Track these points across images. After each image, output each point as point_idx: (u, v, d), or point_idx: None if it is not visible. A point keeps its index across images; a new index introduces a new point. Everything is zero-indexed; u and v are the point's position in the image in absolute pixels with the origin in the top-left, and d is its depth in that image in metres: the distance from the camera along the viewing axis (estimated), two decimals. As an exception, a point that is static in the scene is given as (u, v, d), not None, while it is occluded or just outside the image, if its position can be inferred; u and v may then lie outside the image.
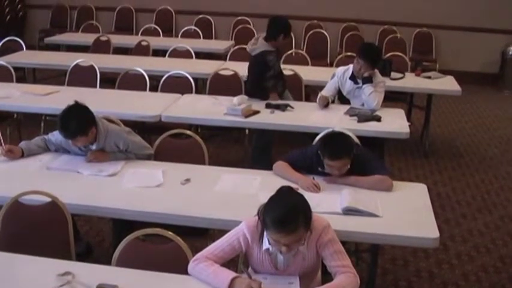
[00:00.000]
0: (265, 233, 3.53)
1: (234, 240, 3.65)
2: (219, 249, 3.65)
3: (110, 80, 8.50)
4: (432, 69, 10.07)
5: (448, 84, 8.88)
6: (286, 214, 3.39)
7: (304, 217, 3.44)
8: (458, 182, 8.04)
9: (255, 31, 12.55)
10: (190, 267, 3.60)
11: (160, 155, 5.53)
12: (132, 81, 8.09)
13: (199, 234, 4.86)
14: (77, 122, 5.00)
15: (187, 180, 4.95)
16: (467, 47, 13.00)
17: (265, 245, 3.58)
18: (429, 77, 9.01)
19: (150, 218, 4.38)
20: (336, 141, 4.84)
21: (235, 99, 6.82)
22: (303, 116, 6.89)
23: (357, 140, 5.50)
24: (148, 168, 5.16)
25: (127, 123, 6.00)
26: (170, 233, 3.85)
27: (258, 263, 3.70)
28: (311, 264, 3.70)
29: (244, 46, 10.02)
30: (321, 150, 4.80)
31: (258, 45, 7.51)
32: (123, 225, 4.65)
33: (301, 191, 4.15)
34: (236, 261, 4.05)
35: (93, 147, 5.22)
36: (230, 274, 3.47)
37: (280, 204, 3.47)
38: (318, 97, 7.19)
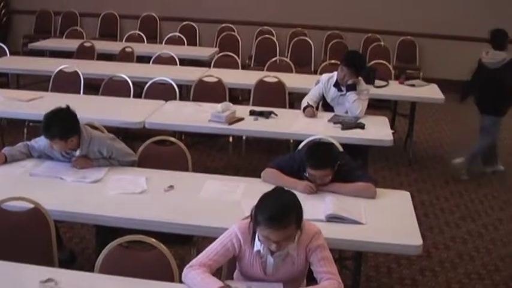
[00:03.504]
0: (256, 235, 3.56)
1: (228, 242, 3.66)
2: (214, 253, 3.65)
3: (93, 86, 8.48)
4: (416, 77, 10.13)
5: (432, 92, 8.92)
6: (278, 210, 3.44)
7: (296, 215, 3.49)
8: (442, 190, 8.06)
9: (239, 38, 12.58)
10: (183, 273, 3.61)
11: (144, 162, 5.52)
12: (116, 88, 8.07)
13: (183, 242, 4.85)
14: (61, 125, 5.00)
15: (171, 187, 4.94)
16: (451, 55, 13.02)
17: (257, 246, 3.61)
18: (413, 85, 9.05)
19: (134, 225, 4.37)
20: (320, 151, 4.85)
21: (220, 106, 6.81)
22: (286, 123, 6.90)
23: (340, 148, 5.52)
24: (131, 175, 5.15)
25: (111, 129, 6.00)
26: (153, 239, 3.84)
27: (249, 266, 3.71)
28: (299, 269, 3.71)
29: (229, 53, 10.10)
30: (305, 158, 4.82)
31: (500, 53, 8.16)
32: (106, 232, 4.63)
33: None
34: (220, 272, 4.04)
35: (77, 153, 5.21)
36: (217, 283, 3.48)
37: (273, 200, 3.52)
38: (304, 106, 7.19)
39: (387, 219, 4.57)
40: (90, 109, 6.90)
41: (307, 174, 4.85)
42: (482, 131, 8.44)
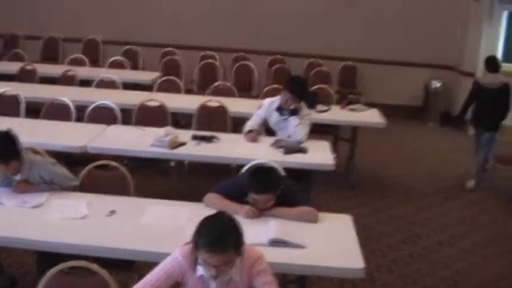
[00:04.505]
0: (199, 260, 3.53)
1: (170, 268, 3.65)
2: (155, 278, 3.64)
3: (35, 110, 8.38)
4: (357, 102, 10.20)
5: (373, 116, 9.02)
6: (217, 235, 3.44)
7: (235, 240, 3.49)
8: (383, 213, 8.13)
9: (181, 63, 12.54)
10: None
11: (85, 187, 5.47)
12: (57, 112, 7.98)
13: (125, 267, 4.80)
14: (1, 149, 4.95)
15: (113, 211, 4.91)
16: (392, 80, 13.25)
17: (199, 271, 3.59)
18: (354, 110, 9.15)
19: (75, 250, 4.32)
20: (262, 176, 4.87)
21: (162, 131, 6.81)
22: (229, 147, 6.91)
23: (283, 172, 5.54)
24: (73, 200, 5.10)
25: (52, 154, 5.93)
26: (95, 265, 3.80)
27: (192, 291, 3.69)
28: (243, 294, 3.70)
29: (172, 77, 10.06)
30: (248, 183, 4.83)
31: (497, 76, 9.18)
32: (47, 258, 4.58)
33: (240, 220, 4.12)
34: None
35: (17, 178, 5.15)
36: None
37: (212, 225, 3.52)
38: (246, 130, 7.22)
39: (330, 243, 4.60)
40: (31, 133, 6.83)
41: (249, 199, 4.86)
42: (483, 146, 9.30)
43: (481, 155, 9.31)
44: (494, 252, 7.21)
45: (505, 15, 12.46)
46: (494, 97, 9.09)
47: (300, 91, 7.25)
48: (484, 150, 9.30)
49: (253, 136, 7.13)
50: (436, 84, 13.03)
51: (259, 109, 7.53)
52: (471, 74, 12.33)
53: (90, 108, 8.04)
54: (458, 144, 11.76)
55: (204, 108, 8.41)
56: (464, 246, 7.33)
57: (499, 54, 12.21)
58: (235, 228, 3.54)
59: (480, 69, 11.82)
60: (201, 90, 11.07)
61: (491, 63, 9.34)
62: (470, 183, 9.33)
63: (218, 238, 3.42)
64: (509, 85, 9.13)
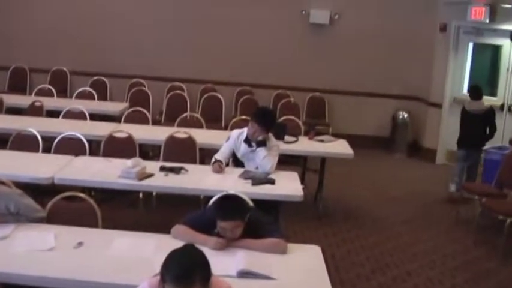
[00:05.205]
0: None
1: None
2: None
3: (1, 141, 8.33)
4: (325, 132, 10.27)
5: (341, 147, 9.07)
6: (183, 268, 3.41)
7: (202, 273, 3.45)
8: (352, 244, 8.14)
9: (149, 93, 12.52)
10: None
11: (52, 218, 5.42)
12: (24, 142, 7.94)
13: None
14: None
15: (80, 243, 4.87)
16: (360, 111, 13.33)
17: None
18: (322, 141, 9.20)
19: (41, 283, 4.29)
20: (228, 203, 4.89)
21: (130, 162, 6.78)
22: (197, 179, 6.90)
23: (251, 204, 5.54)
24: (40, 232, 5.05)
25: (19, 185, 5.88)
26: (62, 297, 3.77)
27: (159, 323, 3.66)
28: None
29: (140, 109, 10.03)
30: (215, 211, 4.83)
31: (481, 103, 10.19)
32: (13, 290, 4.53)
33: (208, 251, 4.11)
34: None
35: (-17, 209, 5.11)
36: None
37: (179, 258, 3.49)
38: (213, 161, 7.22)
39: (298, 274, 4.59)
40: (-2, 164, 6.80)
41: (217, 230, 4.84)
42: (473, 165, 10.43)
43: (467, 176, 10.39)
44: (462, 282, 7.24)
45: (470, 46, 12.59)
46: (481, 121, 10.16)
47: (268, 122, 7.27)
48: (470, 171, 10.39)
49: (217, 167, 7.12)
50: (404, 114, 13.14)
51: (227, 140, 7.53)
52: (438, 105, 12.49)
53: (57, 139, 8.00)
54: (426, 174, 11.87)
55: (172, 140, 8.41)
56: (432, 276, 7.35)
57: (465, 86, 12.37)
58: (203, 261, 3.51)
59: (447, 100, 12.10)
60: (169, 121, 11.07)
61: (475, 92, 10.34)
62: (452, 188, 10.35)
63: (185, 272, 3.39)
64: (493, 109, 10.32)
